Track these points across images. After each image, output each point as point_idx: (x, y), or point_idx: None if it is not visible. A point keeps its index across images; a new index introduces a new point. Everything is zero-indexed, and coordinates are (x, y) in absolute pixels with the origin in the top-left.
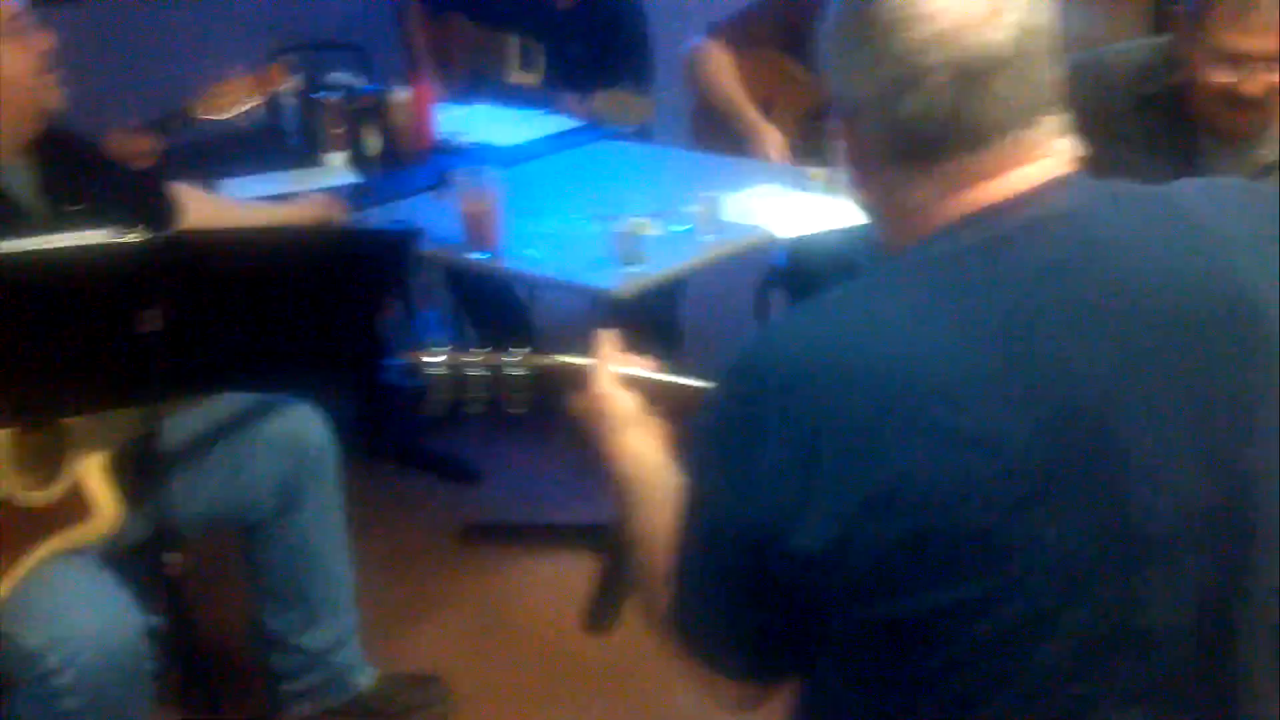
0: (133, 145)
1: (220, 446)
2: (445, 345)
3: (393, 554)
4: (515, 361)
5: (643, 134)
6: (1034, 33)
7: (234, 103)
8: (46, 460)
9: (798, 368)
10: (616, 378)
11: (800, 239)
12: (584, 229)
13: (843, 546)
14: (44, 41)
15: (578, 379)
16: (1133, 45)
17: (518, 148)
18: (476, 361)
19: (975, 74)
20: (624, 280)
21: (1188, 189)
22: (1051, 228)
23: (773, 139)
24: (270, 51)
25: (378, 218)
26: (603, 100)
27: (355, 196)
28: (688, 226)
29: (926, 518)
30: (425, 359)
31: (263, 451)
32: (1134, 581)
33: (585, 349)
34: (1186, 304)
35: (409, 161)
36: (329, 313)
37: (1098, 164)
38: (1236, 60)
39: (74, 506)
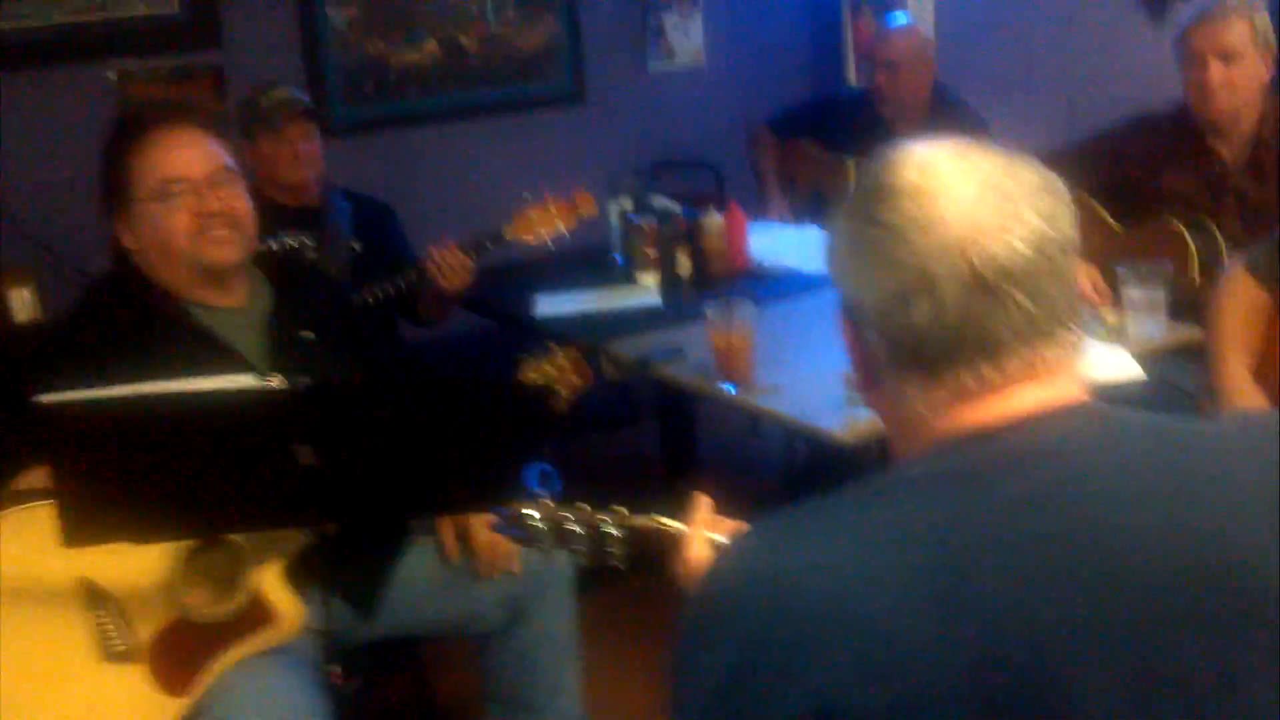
0: (449, 261)
1: (451, 563)
2: (546, 498)
3: (635, 671)
4: (610, 521)
5: None
6: (1054, 244)
7: (542, 227)
8: (222, 577)
9: (743, 588)
10: (710, 543)
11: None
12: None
13: None
14: (207, 204)
15: (673, 543)
16: None
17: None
18: (572, 518)
19: (990, 283)
20: (848, 424)
21: (1224, 428)
22: (1035, 462)
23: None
24: (632, 167)
25: (659, 340)
26: None
27: (652, 317)
28: None
29: None
30: (524, 511)
31: None
32: None
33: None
34: (1165, 564)
35: (718, 284)
36: (466, 458)
37: None
38: None
39: (256, 615)
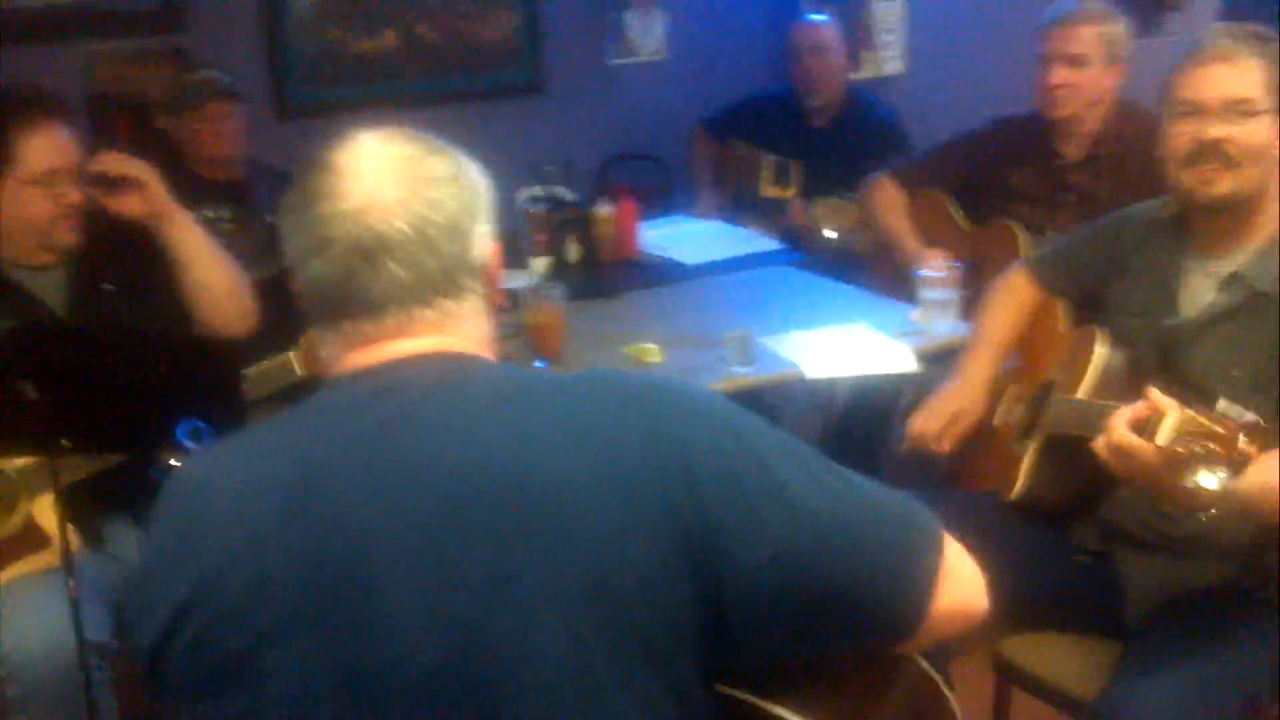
0: None
1: None
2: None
3: None
4: None
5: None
6: (435, 226)
7: None
8: None
9: (170, 487)
10: None
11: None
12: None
13: (163, 647)
14: (69, 197)
15: None
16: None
17: (699, 265)
18: None
19: (368, 251)
20: None
21: (562, 380)
22: (385, 399)
23: (930, 255)
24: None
25: (511, 320)
26: (821, 207)
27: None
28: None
29: (208, 632)
30: (171, 463)
31: None
32: None
33: None
34: (467, 483)
35: (605, 270)
36: (156, 401)
37: (1111, 302)
38: (1195, 110)
39: (31, 539)
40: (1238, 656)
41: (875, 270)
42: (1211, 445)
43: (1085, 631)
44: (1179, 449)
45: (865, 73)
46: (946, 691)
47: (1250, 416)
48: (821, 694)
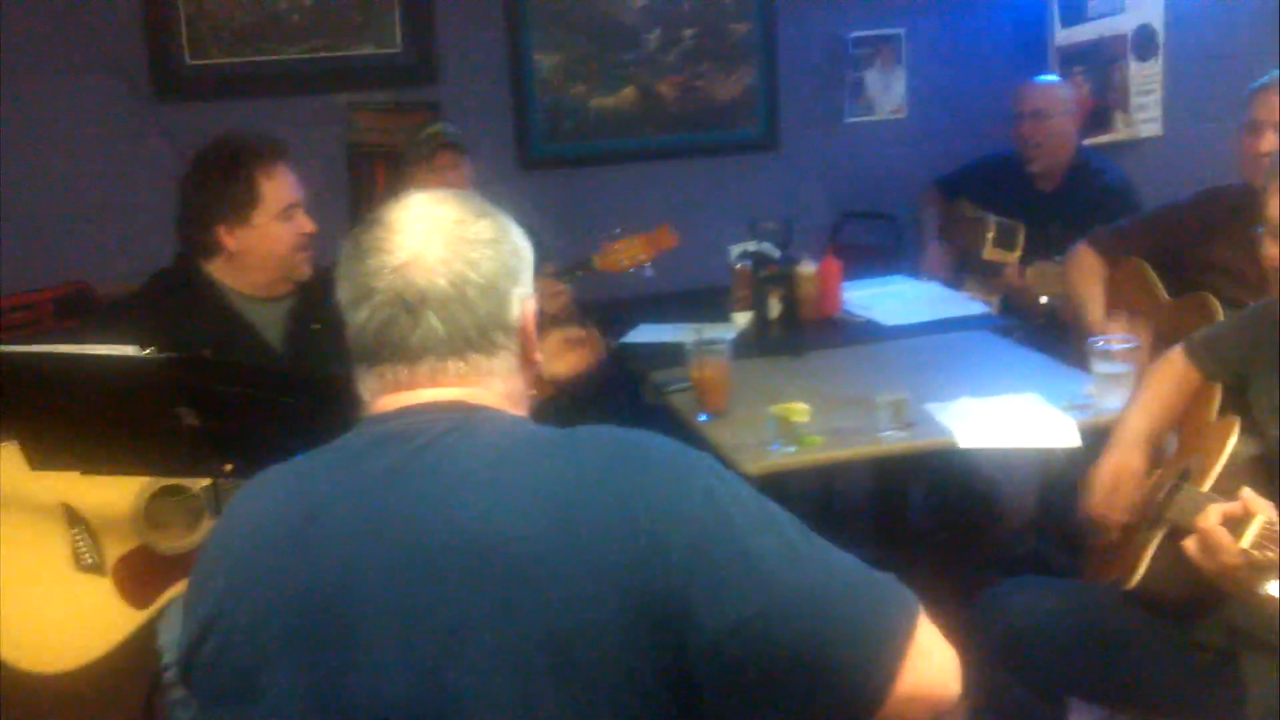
0: (542, 286)
1: None
2: None
3: None
4: None
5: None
6: (474, 285)
7: (626, 259)
8: (182, 518)
9: (227, 507)
10: None
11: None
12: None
13: (193, 653)
14: (306, 226)
15: None
16: None
17: (896, 327)
18: None
19: (409, 303)
20: (761, 459)
21: (563, 443)
22: (392, 444)
23: (1110, 327)
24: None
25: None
26: (1034, 271)
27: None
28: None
29: (225, 645)
30: None
31: None
32: None
33: None
34: (440, 539)
35: (805, 327)
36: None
37: (1250, 394)
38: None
39: None
40: None
41: (1076, 338)
42: None
43: None
44: (1256, 553)
45: (1119, 134)
46: None
47: None
48: None
